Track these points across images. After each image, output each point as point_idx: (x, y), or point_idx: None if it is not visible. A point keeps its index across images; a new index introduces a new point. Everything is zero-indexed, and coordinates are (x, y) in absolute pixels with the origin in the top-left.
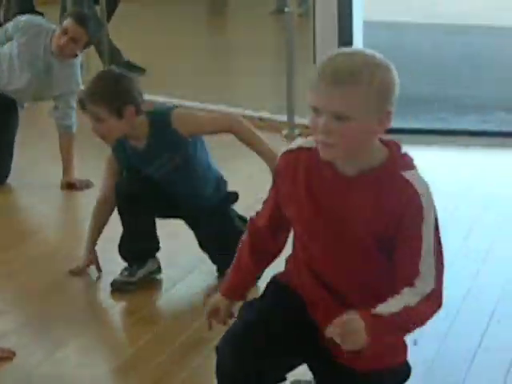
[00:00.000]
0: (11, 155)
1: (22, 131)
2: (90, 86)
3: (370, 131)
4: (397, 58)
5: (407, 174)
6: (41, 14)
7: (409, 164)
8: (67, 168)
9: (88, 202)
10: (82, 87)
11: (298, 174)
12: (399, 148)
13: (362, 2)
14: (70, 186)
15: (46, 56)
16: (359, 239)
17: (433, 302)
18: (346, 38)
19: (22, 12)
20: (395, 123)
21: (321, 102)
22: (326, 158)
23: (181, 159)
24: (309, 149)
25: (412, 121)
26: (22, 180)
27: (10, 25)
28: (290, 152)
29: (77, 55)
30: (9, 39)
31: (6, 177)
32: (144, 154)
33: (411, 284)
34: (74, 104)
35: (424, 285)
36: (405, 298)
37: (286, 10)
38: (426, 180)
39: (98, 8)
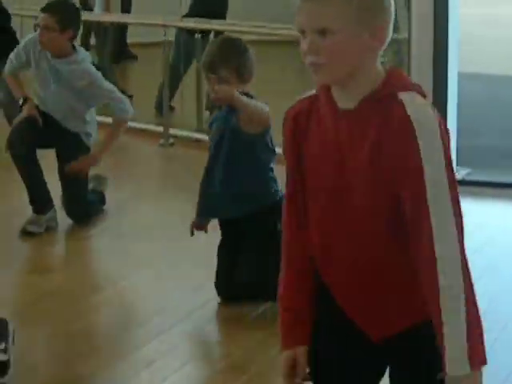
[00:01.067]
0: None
1: None
2: (220, 52)
3: (362, 46)
4: (491, 111)
5: (403, 95)
6: (135, 57)
7: (408, 85)
8: (101, 149)
9: None
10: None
11: (301, 124)
12: (400, 71)
13: (457, 53)
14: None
15: (47, 63)
16: (362, 206)
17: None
18: (440, 89)
19: (116, 52)
20: (488, 176)
21: (302, 21)
22: (320, 80)
23: None
24: (309, 97)
25: (507, 175)
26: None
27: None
28: (291, 109)
29: (70, 48)
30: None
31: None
32: None
33: (433, 269)
34: (112, 87)
35: (447, 262)
36: (450, 307)
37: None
38: (432, 112)
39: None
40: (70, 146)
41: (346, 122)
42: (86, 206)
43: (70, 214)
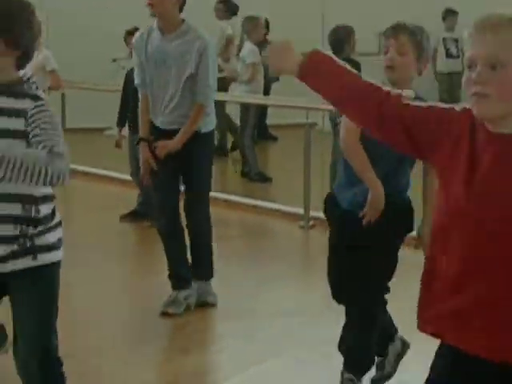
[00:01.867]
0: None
1: None
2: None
3: None
4: None
5: None
6: (275, 138)
7: None
8: (181, 137)
9: None
10: None
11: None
12: None
13: None
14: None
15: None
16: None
17: None
18: None
19: (257, 133)
20: None
21: (474, 51)
22: (481, 112)
23: None
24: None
25: None
26: None
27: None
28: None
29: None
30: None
31: None
32: None
33: None
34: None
35: None
36: None
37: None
38: None
39: None
40: (194, 147)
41: (498, 145)
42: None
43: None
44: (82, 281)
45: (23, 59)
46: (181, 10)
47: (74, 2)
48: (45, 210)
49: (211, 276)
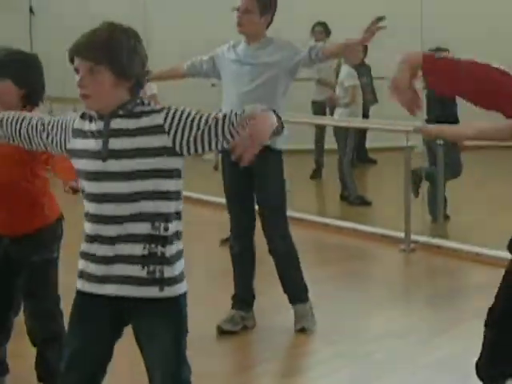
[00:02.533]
0: None
1: None
2: None
3: None
4: None
5: None
6: (374, 161)
7: None
8: None
9: None
10: None
11: None
12: None
13: None
14: None
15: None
16: None
17: None
18: None
19: (356, 156)
20: None
21: None
22: None
23: None
24: None
25: None
26: None
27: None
28: None
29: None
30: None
31: None
32: None
33: None
34: None
35: None
36: None
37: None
38: None
39: None
40: (267, 163)
41: None
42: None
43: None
44: None
45: (136, 87)
46: (267, 28)
47: (174, 30)
48: (173, 227)
49: (304, 298)
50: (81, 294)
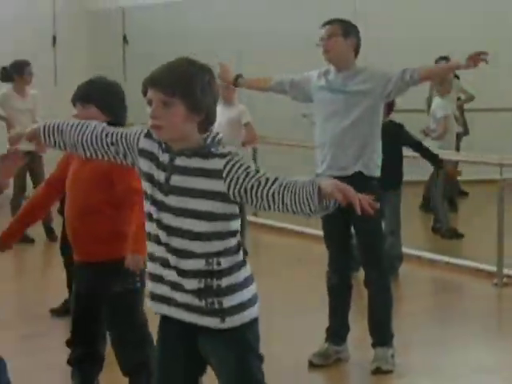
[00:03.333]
0: None
1: None
2: None
3: None
4: None
5: None
6: (466, 193)
7: None
8: None
9: None
10: None
11: None
12: None
13: None
14: None
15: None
16: None
17: None
18: None
19: (447, 189)
20: None
21: None
22: None
23: None
24: None
25: None
26: None
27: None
28: None
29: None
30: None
31: None
32: None
33: None
34: None
35: None
36: None
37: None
38: None
39: None
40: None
41: None
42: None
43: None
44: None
45: (205, 122)
46: (356, 54)
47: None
48: (231, 260)
49: (389, 343)
50: (161, 319)
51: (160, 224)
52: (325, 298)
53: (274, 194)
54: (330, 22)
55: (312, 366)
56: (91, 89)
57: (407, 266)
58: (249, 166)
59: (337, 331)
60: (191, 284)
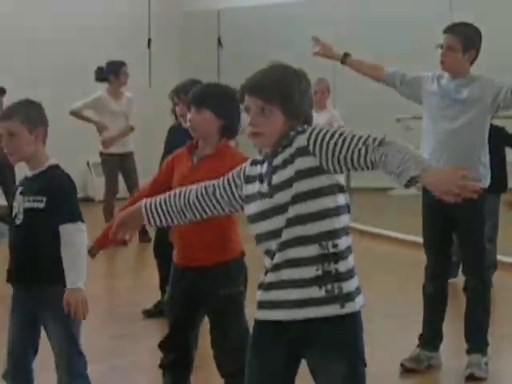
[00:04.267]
0: None
1: None
2: None
3: None
4: None
5: None
6: None
7: None
8: None
9: None
10: None
11: None
12: None
13: None
14: None
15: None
16: None
17: None
18: None
19: None
20: None
21: None
22: None
23: None
24: None
25: None
26: None
27: None
28: None
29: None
30: None
31: None
32: None
33: None
34: None
35: None
36: None
37: None
38: None
39: None
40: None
41: None
42: None
43: None
44: None
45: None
46: (473, 63)
47: None
48: (344, 242)
49: (484, 350)
50: (257, 324)
51: (269, 232)
52: (419, 302)
53: (361, 148)
54: (452, 31)
55: (404, 369)
56: (207, 93)
57: (500, 273)
58: (329, 130)
59: (429, 340)
60: (307, 273)
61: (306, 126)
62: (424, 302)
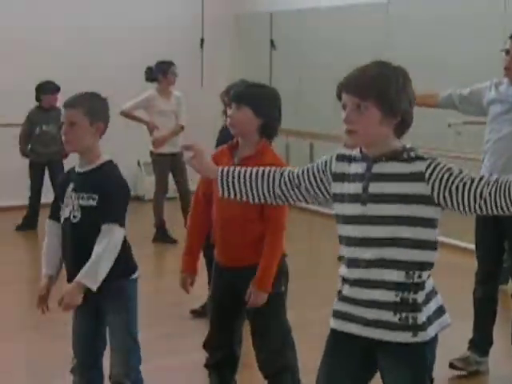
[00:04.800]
0: None
1: None
2: None
3: None
4: None
5: None
6: None
7: None
8: None
9: None
10: None
11: None
12: None
13: None
14: None
15: None
16: None
17: None
18: None
19: None
20: None
21: None
22: None
23: None
24: None
25: None
26: None
27: None
28: None
29: None
30: None
31: None
32: None
33: None
34: None
35: None
36: None
37: None
38: None
39: None
40: None
41: None
42: None
43: None
44: None
45: (402, 127)
46: None
47: None
48: (425, 275)
49: None
50: (333, 333)
51: (356, 239)
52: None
53: (482, 190)
54: None
55: (453, 367)
56: (248, 91)
57: None
58: (451, 167)
59: (479, 344)
60: (387, 296)
61: (414, 149)
62: (474, 306)
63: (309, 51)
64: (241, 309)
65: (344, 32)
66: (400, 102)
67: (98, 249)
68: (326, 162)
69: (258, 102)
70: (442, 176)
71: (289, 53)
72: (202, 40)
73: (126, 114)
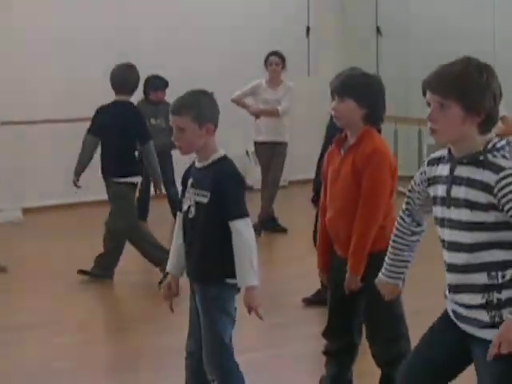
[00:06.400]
0: None
1: None
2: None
3: None
4: None
5: None
6: None
7: None
8: None
9: None
10: None
11: None
12: None
13: None
14: None
15: None
16: None
17: None
18: None
19: None
20: None
21: None
22: None
23: None
24: None
25: None
26: None
27: None
28: None
29: None
30: None
31: None
32: None
33: None
34: None
35: None
36: None
37: None
38: None
39: None
40: None
41: None
42: None
43: None
44: None
45: (487, 124)
46: None
47: None
48: (509, 275)
49: None
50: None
51: (446, 242)
52: None
53: None
54: None
55: None
56: (348, 82)
57: None
58: None
59: None
60: (474, 299)
61: (499, 143)
62: None
63: (416, 37)
64: (355, 298)
65: (453, 17)
66: (483, 100)
67: (238, 252)
68: (420, 172)
69: (360, 91)
70: (510, 197)
71: (396, 39)
72: (308, 28)
73: (236, 101)
